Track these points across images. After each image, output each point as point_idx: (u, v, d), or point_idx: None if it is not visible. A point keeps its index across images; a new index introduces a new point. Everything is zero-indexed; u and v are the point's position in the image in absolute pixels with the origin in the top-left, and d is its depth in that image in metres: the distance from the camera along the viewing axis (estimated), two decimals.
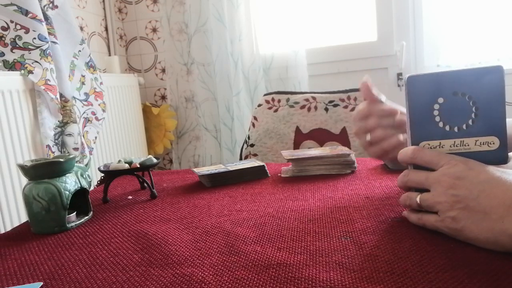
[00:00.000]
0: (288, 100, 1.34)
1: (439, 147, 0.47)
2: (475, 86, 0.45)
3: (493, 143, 0.46)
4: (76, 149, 1.51)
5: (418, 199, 0.47)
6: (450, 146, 0.47)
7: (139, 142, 2.13)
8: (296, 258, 0.44)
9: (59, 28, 1.51)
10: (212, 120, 2.16)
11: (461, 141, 0.46)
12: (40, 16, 1.35)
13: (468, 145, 0.46)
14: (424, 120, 0.47)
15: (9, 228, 1.17)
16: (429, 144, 0.47)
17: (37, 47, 1.34)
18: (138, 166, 0.76)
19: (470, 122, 0.46)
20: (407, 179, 0.49)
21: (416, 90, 0.47)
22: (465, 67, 1.91)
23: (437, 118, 0.47)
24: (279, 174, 0.86)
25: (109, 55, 2.19)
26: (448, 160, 0.45)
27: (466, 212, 0.42)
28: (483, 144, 0.46)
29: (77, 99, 1.59)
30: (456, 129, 0.46)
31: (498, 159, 0.46)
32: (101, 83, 1.72)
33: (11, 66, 1.31)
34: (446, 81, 0.46)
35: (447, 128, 0.46)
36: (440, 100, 0.46)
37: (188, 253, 0.48)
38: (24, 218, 1.26)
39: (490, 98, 0.45)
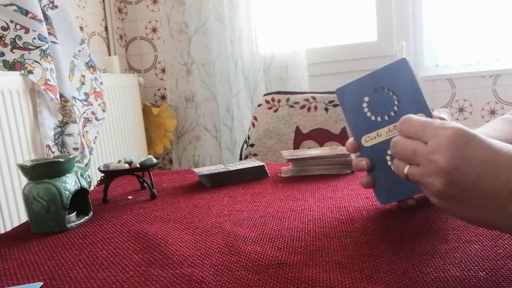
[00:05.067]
0: (288, 100, 1.34)
1: (377, 136, 0.52)
2: (388, 79, 0.51)
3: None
4: (76, 149, 1.51)
5: (405, 171, 0.42)
6: (387, 132, 0.51)
7: (139, 142, 2.13)
8: (296, 258, 0.44)
9: (59, 28, 1.51)
10: (212, 120, 2.16)
11: (394, 126, 0.51)
12: (40, 16, 1.35)
13: None
14: (359, 119, 0.53)
15: (9, 228, 1.16)
16: (369, 137, 0.53)
17: (37, 47, 1.34)
18: (138, 166, 0.76)
19: (395, 108, 0.51)
20: (395, 151, 0.43)
21: (346, 97, 0.54)
22: (464, 67, 1.93)
23: (368, 114, 0.53)
24: (279, 174, 0.86)
25: (109, 55, 2.19)
26: (434, 131, 0.38)
27: (458, 193, 0.37)
28: None
29: (77, 99, 1.59)
30: (386, 117, 0.51)
31: None
32: (101, 83, 1.72)
33: (11, 66, 1.31)
34: (366, 82, 0.53)
35: (379, 119, 0.52)
36: (366, 98, 0.53)
37: (188, 253, 0.48)
38: (24, 218, 1.26)
39: (404, 84, 0.51)
